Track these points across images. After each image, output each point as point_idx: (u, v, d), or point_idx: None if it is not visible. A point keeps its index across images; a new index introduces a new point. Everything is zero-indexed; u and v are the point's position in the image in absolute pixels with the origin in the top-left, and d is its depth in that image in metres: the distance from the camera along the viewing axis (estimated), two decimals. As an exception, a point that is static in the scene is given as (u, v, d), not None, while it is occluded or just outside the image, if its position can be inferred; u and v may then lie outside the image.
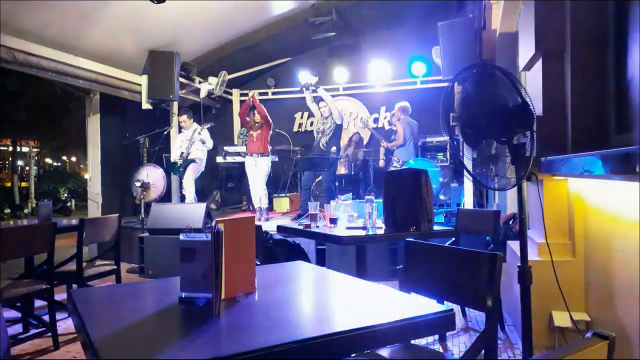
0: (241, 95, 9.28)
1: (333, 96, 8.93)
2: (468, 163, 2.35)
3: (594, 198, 2.64)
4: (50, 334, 3.10)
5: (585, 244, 2.83)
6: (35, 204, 16.97)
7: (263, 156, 6.36)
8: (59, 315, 3.18)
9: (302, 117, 9.06)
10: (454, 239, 3.45)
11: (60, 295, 3.41)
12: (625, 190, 2.09)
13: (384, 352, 1.75)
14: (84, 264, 3.39)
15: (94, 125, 7.26)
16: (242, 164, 7.19)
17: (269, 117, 6.35)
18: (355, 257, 3.30)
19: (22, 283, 3.06)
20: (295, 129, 9.09)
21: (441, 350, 2.92)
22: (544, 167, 2.59)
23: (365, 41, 8.69)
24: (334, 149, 6.40)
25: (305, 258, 3.88)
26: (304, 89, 6.63)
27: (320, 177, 6.52)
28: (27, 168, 24.70)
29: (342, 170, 7.15)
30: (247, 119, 6.43)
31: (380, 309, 1.39)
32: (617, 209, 2.29)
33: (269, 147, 6.50)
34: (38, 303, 3.57)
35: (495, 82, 2.16)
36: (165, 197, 6.70)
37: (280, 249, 3.89)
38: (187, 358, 1.04)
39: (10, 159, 24.80)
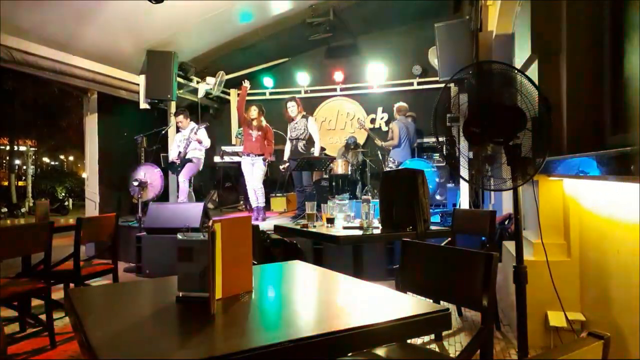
0: (239, 95, 9.26)
1: (330, 96, 8.97)
2: (464, 163, 2.37)
3: (589, 199, 2.66)
4: (47, 333, 3.09)
5: (580, 245, 2.85)
6: (33, 203, 16.92)
7: (259, 157, 6.35)
8: (55, 315, 3.17)
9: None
10: (450, 239, 3.46)
11: (58, 294, 3.40)
12: (621, 191, 2.11)
13: (381, 351, 1.76)
14: (81, 263, 3.38)
15: (91, 125, 7.26)
16: (239, 164, 7.19)
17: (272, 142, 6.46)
18: (352, 256, 3.31)
19: (19, 282, 3.06)
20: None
21: (437, 349, 2.93)
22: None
23: (363, 42, 8.73)
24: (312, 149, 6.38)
25: (302, 257, 3.88)
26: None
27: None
28: (25, 167, 24.62)
29: (339, 170, 7.14)
30: (245, 114, 6.40)
31: (376, 308, 1.40)
32: (612, 209, 2.31)
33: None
34: (35, 302, 3.56)
35: (492, 80, 2.17)
36: (163, 197, 6.69)
37: (277, 249, 3.89)
38: (184, 357, 1.04)
39: (8, 158, 24.74)
